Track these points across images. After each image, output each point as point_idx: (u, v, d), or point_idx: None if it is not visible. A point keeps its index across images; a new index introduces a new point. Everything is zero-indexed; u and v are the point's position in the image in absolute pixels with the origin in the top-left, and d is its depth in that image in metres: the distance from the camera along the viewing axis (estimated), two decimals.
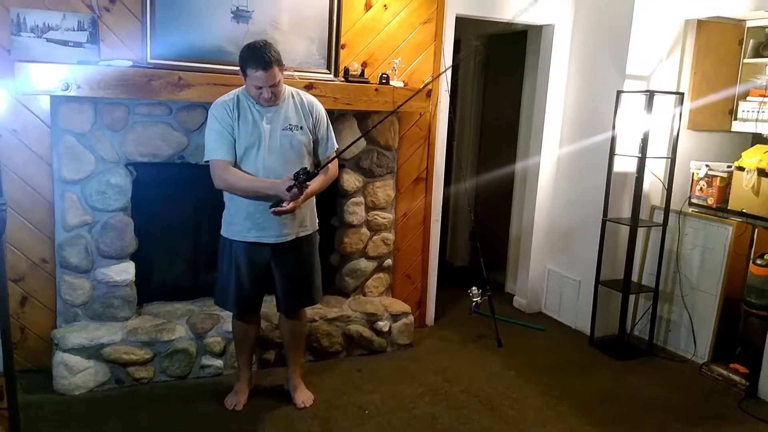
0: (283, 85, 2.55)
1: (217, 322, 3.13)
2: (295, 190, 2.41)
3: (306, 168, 2.46)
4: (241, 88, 2.58)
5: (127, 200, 3.01)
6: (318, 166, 2.65)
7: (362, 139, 3.40)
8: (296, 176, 2.41)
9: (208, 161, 2.55)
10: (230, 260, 2.65)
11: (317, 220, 2.81)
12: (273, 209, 2.48)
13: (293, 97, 2.63)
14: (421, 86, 3.42)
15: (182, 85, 2.86)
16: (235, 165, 2.53)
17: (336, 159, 2.71)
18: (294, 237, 2.65)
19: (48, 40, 2.81)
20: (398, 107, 3.09)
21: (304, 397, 2.89)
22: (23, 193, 2.92)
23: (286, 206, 2.46)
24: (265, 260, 2.65)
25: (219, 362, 3.11)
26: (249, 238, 2.60)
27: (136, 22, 2.95)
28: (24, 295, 2.99)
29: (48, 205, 2.96)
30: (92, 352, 2.87)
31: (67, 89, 2.67)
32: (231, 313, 2.85)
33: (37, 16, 2.78)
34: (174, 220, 3.34)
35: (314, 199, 2.73)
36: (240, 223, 2.60)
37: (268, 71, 2.40)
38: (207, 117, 2.60)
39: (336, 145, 2.75)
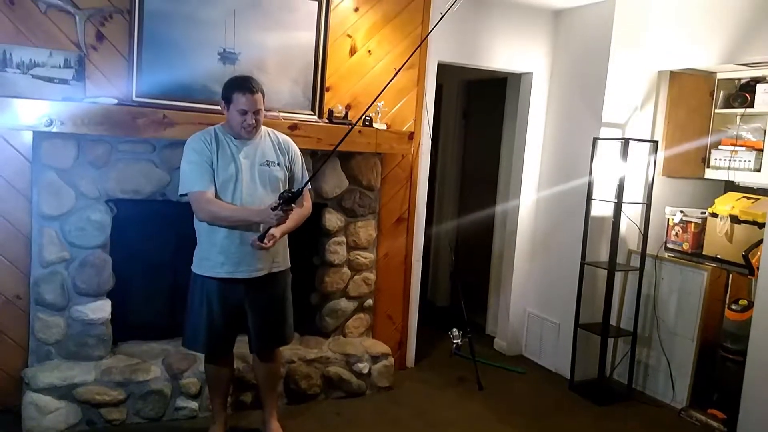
0: (262, 120, 2.59)
1: (193, 362, 3.07)
2: (279, 212, 2.40)
3: (289, 190, 2.46)
4: (217, 125, 2.61)
5: (106, 237, 2.98)
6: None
7: (345, 179, 3.46)
8: (280, 196, 2.40)
9: (185, 194, 2.53)
10: (201, 298, 2.60)
11: (289, 257, 2.78)
12: (257, 242, 2.46)
13: (269, 135, 2.69)
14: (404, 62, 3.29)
15: (167, 123, 2.88)
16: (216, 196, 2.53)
17: (310, 197, 2.75)
18: (266, 272, 2.62)
19: (33, 76, 2.82)
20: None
21: None
22: (0, 227, 2.88)
23: (274, 231, 2.45)
24: (239, 298, 2.61)
25: (194, 404, 3.04)
26: (221, 273, 2.56)
27: (122, 61, 2.98)
28: None
29: (25, 241, 2.92)
30: (64, 392, 2.80)
31: (50, 125, 2.68)
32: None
33: (24, 53, 2.80)
34: (152, 257, 3.31)
35: (287, 236, 2.72)
36: (213, 258, 2.56)
37: (254, 95, 2.49)
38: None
39: (307, 177, 2.74)
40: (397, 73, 2.77)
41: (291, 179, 2.70)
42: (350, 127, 2.81)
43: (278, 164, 2.63)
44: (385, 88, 2.75)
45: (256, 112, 2.51)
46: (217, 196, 2.53)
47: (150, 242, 3.27)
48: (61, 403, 2.79)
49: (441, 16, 2.67)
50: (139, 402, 2.92)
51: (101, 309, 2.99)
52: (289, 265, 2.79)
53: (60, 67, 2.86)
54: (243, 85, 2.49)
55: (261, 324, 2.69)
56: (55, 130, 2.70)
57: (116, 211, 3.04)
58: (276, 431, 2.84)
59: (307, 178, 2.71)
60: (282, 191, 2.45)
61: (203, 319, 2.60)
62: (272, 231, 2.48)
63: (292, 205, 2.43)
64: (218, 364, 2.75)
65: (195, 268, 2.63)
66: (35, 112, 2.66)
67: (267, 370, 2.83)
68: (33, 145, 2.87)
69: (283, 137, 2.73)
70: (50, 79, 2.85)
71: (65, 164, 2.88)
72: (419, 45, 3.42)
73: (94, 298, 2.98)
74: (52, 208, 2.89)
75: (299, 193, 2.45)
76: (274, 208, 2.40)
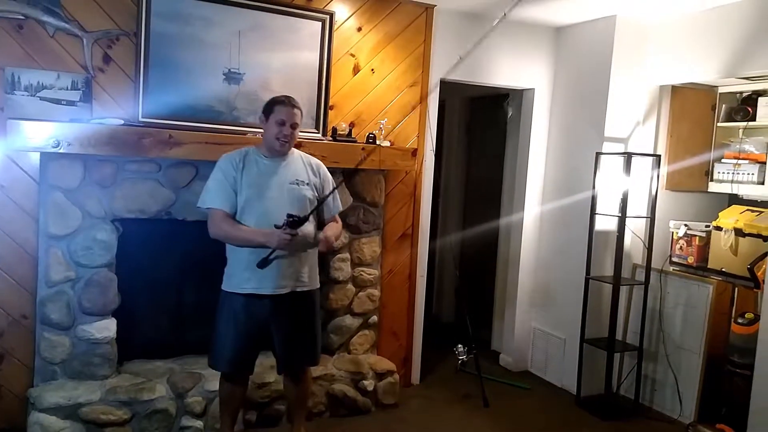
0: (296, 136, 2.69)
1: (198, 380, 3.07)
2: (284, 234, 2.43)
3: (296, 214, 2.49)
4: (251, 146, 2.71)
5: (112, 256, 3.00)
6: (322, 227, 2.74)
7: (349, 196, 3.48)
8: (288, 215, 2.45)
9: (206, 208, 2.61)
10: (229, 315, 2.64)
11: (318, 278, 2.81)
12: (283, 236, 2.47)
13: (301, 157, 2.76)
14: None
15: (172, 143, 2.91)
16: (234, 217, 2.59)
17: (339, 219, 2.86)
18: (290, 290, 2.65)
19: (41, 98, 2.86)
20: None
21: None
22: (7, 248, 2.91)
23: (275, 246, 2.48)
24: (265, 315, 2.63)
25: (199, 423, 3.03)
26: (247, 289, 2.60)
27: (129, 82, 3.02)
28: (1, 352, 2.93)
29: (32, 261, 2.94)
30: (69, 411, 2.80)
31: (57, 146, 2.71)
32: (217, 372, 2.78)
33: (32, 76, 2.85)
34: (158, 275, 3.32)
35: (316, 257, 2.77)
36: (239, 275, 2.62)
37: (294, 108, 2.63)
38: (195, 174, 2.71)
39: (340, 207, 2.84)
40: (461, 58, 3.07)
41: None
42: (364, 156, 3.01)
43: (308, 184, 2.70)
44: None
45: (293, 126, 2.62)
46: (240, 212, 2.58)
47: (155, 261, 3.28)
48: (67, 423, 2.79)
49: (460, 59, 3.09)
50: (144, 421, 2.92)
51: (106, 328, 3.00)
52: (318, 285, 2.81)
53: (67, 89, 2.91)
54: (285, 99, 2.65)
55: (287, 344, 2.70)
56: (62, 150, 2.73)
57: (122, 230, 3.06)
58: None
59: (338, 201, 2.85)
60: (290, 214, 2.48)
61: (229, 337, 2.63)
62: (322, 235, 2.63)
63: (298, 230, 2.47)
64: (235, 383, 2.78)
65: (224, 286, 2.67)
66: (43, 133, 2.69)
67: (296, 390, 2.87)
68: (40, 166, 2.90)
69: (315, 161, 2.81)
70: (58, 101, 2.89)
71: (72, 184, 2.91)
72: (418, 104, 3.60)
73: (100, 317, 2.99)
74: (59, 228, 2.91)
75: (305, 219, 2.51)
76: (278, 227, 2.45)
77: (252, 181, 2.60)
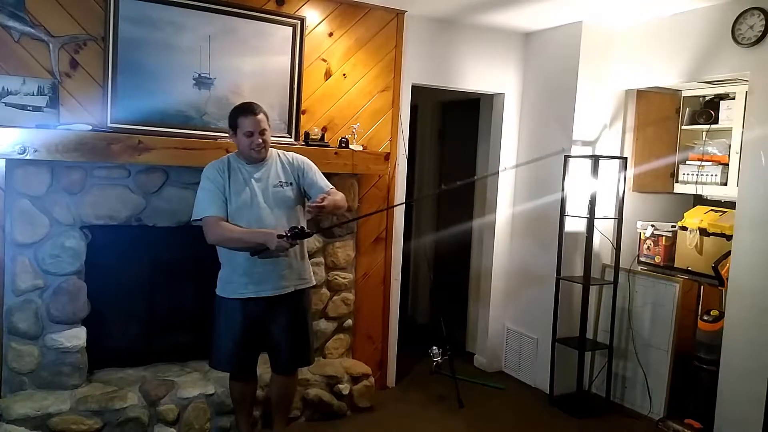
0: (269, 140, 2.69)
1: (171, 388, 3.04)
2: (283, 241, 2.48)
3: (302, 226, 2.57)
4: (230, 154, 2.73)
5: (81, 263, 2.96)
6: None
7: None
8: (291, 228, 2.51)
9: (198, 219, 2.62)
10: (226, 319, 2.67)
11: (312, 275, 2.87)
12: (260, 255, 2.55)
13: (279, 157, 2.77)
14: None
15: (142, 149, 2.89)
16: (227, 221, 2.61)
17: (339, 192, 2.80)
18: (293, 289, 2.70)
19: (6, 104, 2.81)
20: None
21: None
22: None
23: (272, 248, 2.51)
24: (261, 315, 2.67)
25: (172, 431, 3.00)
26: (247, 294, 2.63)
27: (97, 87, 2.99)
28: None
29: None
30: (38, 422, 2.74)
31: (24, 153, 2.67)
32: (193, 379, 2.84)
33: None
34: (128, 282, 3.28)
35: (307, 254, 2.81)
36: (237, 281, 2.64)
37: (257, 116, 2.61)
38: (166, 179, 2.73)
39: (329, 184, 2.81)
40: None
41: (310, 187, 2.75)
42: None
43: (290, 184, 2.72)
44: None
45: (262, 132, 2.62)
46: (232, 220, 2.60)
47: (126, 268, 3.25)
48: None
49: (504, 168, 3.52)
50: (116, 430, 2.87)
51: (76, 336, 2.95)
52: (314, 282, 2.88)
53: (33, 94, 2.86)
54: (245, 108, 2.63)
55: (284, 342, 2.75)
56: (28, 157, 2.69)
57: (91, 237, 3.02)
58: None
59: (325, 180, 2.80)
60: (294, 226, 2.54)
61: (229, 339, 2.68)
62: (322, 203, 2.58)
63: (298, 240, 2.53)
64: (243, 381, 2.82)
65: (219, 291, 2.70)
66: (8, 139, 2.65)
67: (284, 389, 2.90)
68: (6, 173, 2.84)
69: (291, 154, 2.82)
70: (23, 107, 2.85)
71: (39, 191, 2.87)
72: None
73: (69, 325, 2.94)
74: (26, 235, 2.86)
75: (309, 234, 2.56)
76: (280, 237, 2.48)
77: (239, 189, 2.63)
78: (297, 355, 2.82)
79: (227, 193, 2.61)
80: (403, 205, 3.95)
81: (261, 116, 2.62)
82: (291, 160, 2.78)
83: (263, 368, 2.93)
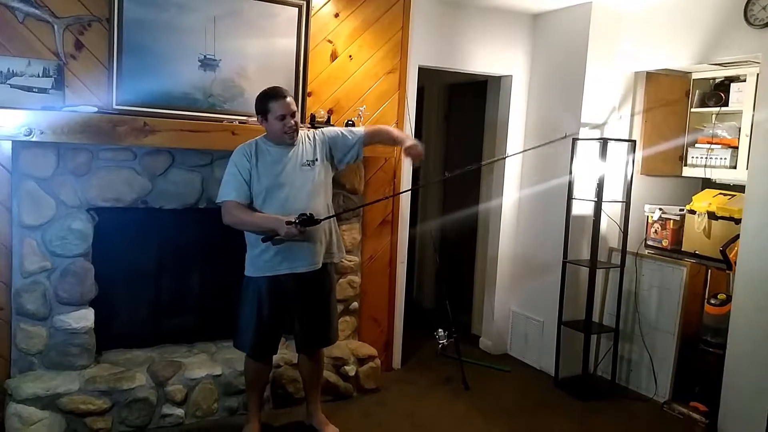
0: (299, 122, 2.75)
1: (178, 369, 3.07)
2: (292, 228, 2.52)
3: (310, 213, 2.58)
4: (258, 137, 2.75)
5: (87, 246, 2.97)
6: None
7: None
8: (300, 215, 2.55)
9: (220, 202, 2.67)
10: (254, 299, 2.72)
11: (344, 248, 3.02)
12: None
13: (306, 137, 2.81)
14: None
15: (147, 131, 2.88)
16: (251, 206, 2.67)
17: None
18: (321, 265, 2.77)
19: (12, 86, 2.80)
20: None
21: (332, 429, 2.98)
22: None
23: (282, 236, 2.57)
24: (289, 294, 2.73)
25: (180, 411, 3.03)
26: (282, 270, 2.69)
27: (102, 69, 2.97)
28: None
29: (6, 251, 2.90)
30: (48, 402, 2.78)
31: (30, 134, 2.66)
32: (200, 360, 2.85)
33: (2, 63, 2.78)
34: (135, 264, 3.30)
35: (338, 227, 2.91)
36: (270, 259, 2.68)
37: (287, 98, 2.67)
38: (172, 162, 2.79)
39: (358, 129, 2.93)
40: None
41: (342, 143, 2.84)
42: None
43: (317, 160, 2.76)
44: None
45: (293, 114, 2.67)
46: (263, 202, 2.66)
47: (133, 250, 3.26)
48: (45, 414, 2.77)
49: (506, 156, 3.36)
50: (124, 410, 2.91)
51: (84, 318, 2.98)
52: (341, 257, 2.97)
53: (39, 76, 2.85)
54: (275, 93, 2.67)
55: (307, 322, 2.82)
56: (34, 139, 2.68)
57: (98, 219, 3.03)
58: (322, 421, 3.00)
59: (353, 130, 2.92)
60: (303, 212, 2.56)
61: (253, 320, 2.74)
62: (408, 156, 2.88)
63: (306, 227, 2.56)
64: (260, 363, 2.87)
65: (249, 272, 2.74)
66: (14, 121, 2.64)
67: (312, 368, 2.99)
68: (12, 155, 2.85)
69: (312, 131, 2.88)
70: (29, 89, 2.84)
71: (45, 173, 2.87)
72: None
73: (77, 307, 2.96)
74: (33, 218, 2.87)
75: (317, 222, 2.59)
76: (289, 223, 2.52)
77: (268, 171, 2.67)
78: (318, 337, 2.90)
79: (254, 175, 2.66)
80: (408, 199, 3.93)
81: (290, 99, 2.67)
82: (314, 137, 2.83)
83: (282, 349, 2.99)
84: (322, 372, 3.11)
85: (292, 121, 2.66)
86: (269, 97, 2.66)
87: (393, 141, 3.03)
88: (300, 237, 2.59)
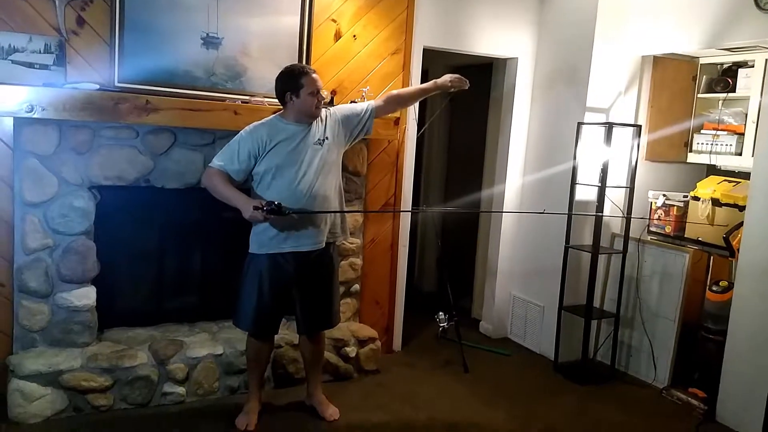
0: None
1: (180, 348, 3.08)
2: (258, 213, 2.50)
3: (278, 203, 2.53)
4: (275, 115, 2.77)
5: (90, 224, 2.97)
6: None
7: None
8: (268, 203, 2.52)
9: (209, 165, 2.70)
10: (254, 276, 2.72)
11: (348, 229, 3.03)
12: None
13: (320, 118, 2.80)
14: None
15: (149, 109, 2.86)
16: (252, 189, 2.71)
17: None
18: (325, 244, 2.79)
19: (13, 62, 2.78)
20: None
21: (332, 410, 3.01)
22: None
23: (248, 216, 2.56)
24: (292, 273, 2.73)
25: (181, 389, 3.05)
26: (286, 248, 2.69)
27: (104, 46, 2.95)
28: None
29: (8, 228, 2.90)
30: (50, 378, 2.79)
31: (31, 111, 2.64)
32: (202, 340, 2.87)
33: (2, 38, 2.76)
34: (138, 243, 3.30)
35: (343, 206, 2.89)
36: (275, 236, 2.68)
37: (315, 73, 2.70)
38: (174, 141, 2.81)
39: (368, 103, 2.95)
40: None
41: (355, 116, 2.87)
42: None
43: (327, 138, 2.76)
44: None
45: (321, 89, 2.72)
46: (273, 179, 2.65)
47: (135, 229, 3.26)
48: (47, 390, 2.79)
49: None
50: (125, 388, 2.93)
51: (86, 296, 2.98)
52: (348, 237, 3.01)
53: (40, 52, 2.82)
54: (303, 70, 2.69)
55: (308, 304, 2.82)
56: (36, 116, 2.66)
57: (100, 197, 3.02)
58: (323, 401, 3.02)
59: (362, 103, 2.97)
60: (272, 201, 2.52)
61: (254, 299, 2.73)
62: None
63: (272, 216, 2.53)
64: (261, 341, 2.88)
65: (254, 249, 2.74)
66: (15, 98, 2.62)
67: (313, 350, 3.00)
68: (14, 132, 2.83)
69: (325, 109, 2.84)
70: (30, 65, 2.81)
71: (47, 151, 2.86)
72: None
73: (79, 284, 2.97)
74: (35, 195, 2.86)
75: (284, 213, 2.52)
76: (256, 208, 2.50)
77: (281, 149, 2.66)
78: (320, 319, 2.91)
79: (262, 153, 2.65)
80: (411, 182, 3.90)
81: (317, 74, 2.71)
82: (326, 115, 2.82)
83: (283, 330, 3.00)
84: (323, 353, 3.13)
85: (323, 95, 2.70)
86: (300, 73, 2.66)
87: (412, 99, 3.09)
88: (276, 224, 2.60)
